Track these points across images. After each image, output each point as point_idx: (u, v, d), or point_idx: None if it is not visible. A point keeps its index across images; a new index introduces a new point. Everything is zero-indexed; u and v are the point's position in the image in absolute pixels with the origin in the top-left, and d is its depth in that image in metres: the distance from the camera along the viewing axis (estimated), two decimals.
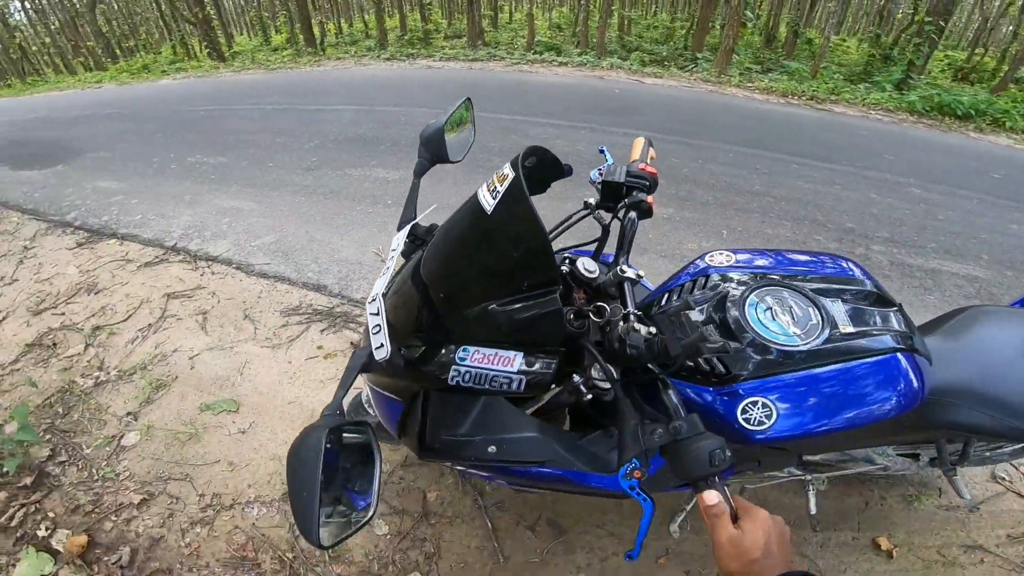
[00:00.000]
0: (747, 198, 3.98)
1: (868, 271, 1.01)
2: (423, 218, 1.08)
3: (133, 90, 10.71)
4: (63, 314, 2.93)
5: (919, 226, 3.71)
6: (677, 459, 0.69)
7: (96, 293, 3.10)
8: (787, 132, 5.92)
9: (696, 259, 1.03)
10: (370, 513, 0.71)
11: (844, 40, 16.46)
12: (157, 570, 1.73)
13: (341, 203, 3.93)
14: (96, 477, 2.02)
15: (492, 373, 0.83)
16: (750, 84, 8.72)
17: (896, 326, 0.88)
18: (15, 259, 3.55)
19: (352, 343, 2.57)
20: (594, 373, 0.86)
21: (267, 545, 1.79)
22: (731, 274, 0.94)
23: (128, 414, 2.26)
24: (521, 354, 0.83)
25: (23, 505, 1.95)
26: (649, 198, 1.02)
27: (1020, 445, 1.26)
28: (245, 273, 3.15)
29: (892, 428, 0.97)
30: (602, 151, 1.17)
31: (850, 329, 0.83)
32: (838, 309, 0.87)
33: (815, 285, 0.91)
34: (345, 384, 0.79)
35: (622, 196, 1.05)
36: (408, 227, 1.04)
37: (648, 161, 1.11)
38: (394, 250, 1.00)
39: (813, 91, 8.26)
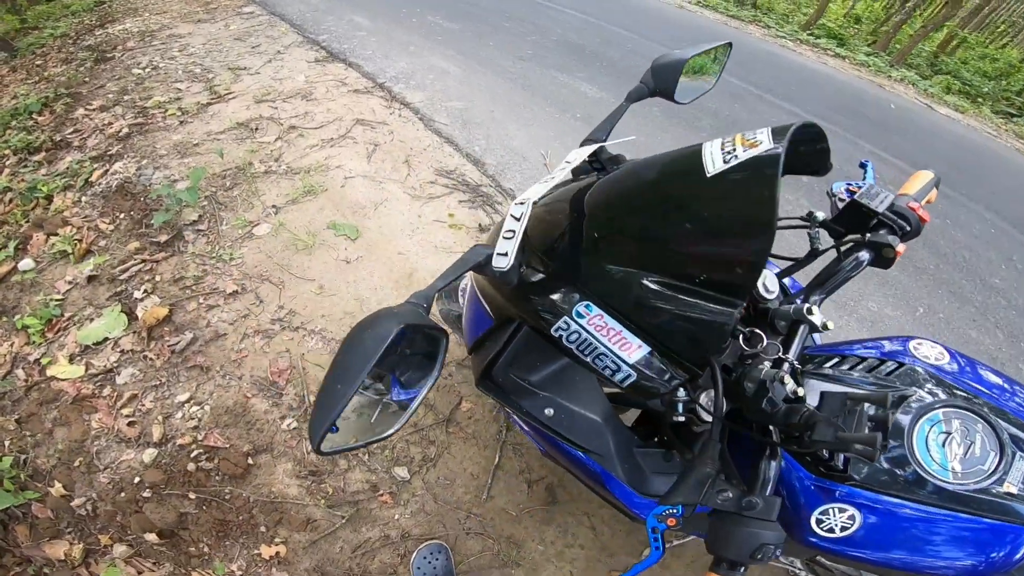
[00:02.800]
0: (975, 288, 2.77)
1: None
2: (615, 144, 0.91)
3: None
4: (276, 108, 3.14)
5: None
6: (723, 528, 0.58)
7: (308, 100, 3.27)
8: None
9: (898, 337, 0.81)
10: (386, 433, 0.61)
11: None
12: (198, 365, 1.74)
13: (534, 98, 3.61)
14: (214, 255, 2.10)
15: (603, 349, 0.69)
16: None
17: None
18: (266, 58, 3.92)
19: (480, 225, 2.32)
20: (704, 398, 0.70)
21: (300, 380, 1.72)
22: (929, 374, 0.73)
23: (273, 207, 2.33)
24: (648, 349, 0.67)
25: (143, 261, 2.08)
26: (900, 247, 0.78)
27: None
28: (424, 125, 3.07)
29: None
30: (865, 165, 0.91)
31: (1013, 490, 0.64)
32: (1020, 467, 0.66)
33: (1015, 430, 0.69)
34: (448, 276, 0.65)
35: (865, 227, 0.80)
36: (593, 146, 0.85)
37: (923, 203, 0.85)
38: (568, 163, 0.82)
39: None
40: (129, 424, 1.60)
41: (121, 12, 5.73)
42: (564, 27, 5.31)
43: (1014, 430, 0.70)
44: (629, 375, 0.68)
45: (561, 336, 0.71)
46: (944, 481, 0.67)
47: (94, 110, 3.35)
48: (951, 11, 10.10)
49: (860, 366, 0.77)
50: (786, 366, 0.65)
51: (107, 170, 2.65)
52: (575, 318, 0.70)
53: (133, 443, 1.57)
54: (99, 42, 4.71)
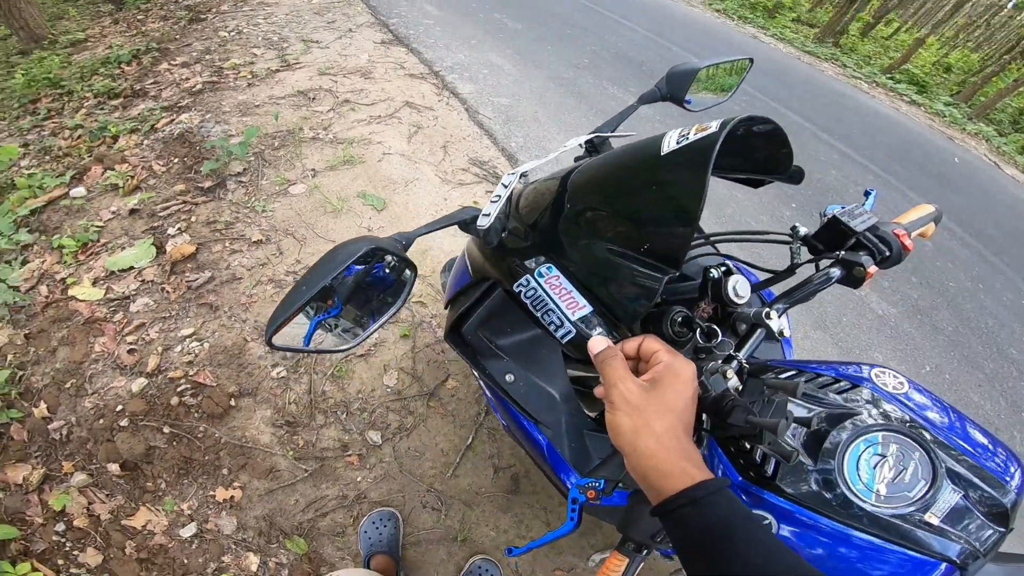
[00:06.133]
0: (989, 355, 2.64)
1: None
2: (613, 138, 0.94)
3: None
4: (335, 82, 3.29)
5: None
6: (635, 509, 0.63)
7: (366, 78, 3.40)
8: None
9: (861, 364, 0.79)
10: (340, 348, 0.66)
11: None
12: (208, 303, 1.82)
13: (580, 106, 3.62)
14: (248, 205, 2.22)
15: (552, 306, 0.72)
16: None
17: (978, 543, 0.64)
18: (337, 34, 4.10)
19: None
20: None
21: None
22: (886, 403, 0.71)
23: (312, 170, 2.44)
24: (591, 309, 0.71)
25: (184, 202, 2.21)
26: (871, 268, 0.76)
27: None
28: (469, 116, 3.13)
29: None
30: (868, 193, 0.90)
31: (934, 521, 0.63)
32: (947, 500, 0.65)
33: (954, 465, 0.67)
34: (433, 224, 0.69)
35: (842, 246, 0.80)
36: (592, 135, 0.90)
37: (913, 234, 0.83)
38: (566, 146, 0.86)
39: None
40: (129, 352, 1.66)
41: None
42: (626, 41, 5.28)
43: (955, 465, 0.69)
44: (569, 331, 0.72)
45: (521, 292, 0.76)
46: (864, 501, 0.66)
47: (176, 65, 3.60)
48: None
49: (814, 381, 0.76)
50: (734, 364, 0.67)
51: (173, 119, 2.85)
52: (536, 277, 0.74)
53: (127, 371, 1.61)
54: (197, 2, 5.05)
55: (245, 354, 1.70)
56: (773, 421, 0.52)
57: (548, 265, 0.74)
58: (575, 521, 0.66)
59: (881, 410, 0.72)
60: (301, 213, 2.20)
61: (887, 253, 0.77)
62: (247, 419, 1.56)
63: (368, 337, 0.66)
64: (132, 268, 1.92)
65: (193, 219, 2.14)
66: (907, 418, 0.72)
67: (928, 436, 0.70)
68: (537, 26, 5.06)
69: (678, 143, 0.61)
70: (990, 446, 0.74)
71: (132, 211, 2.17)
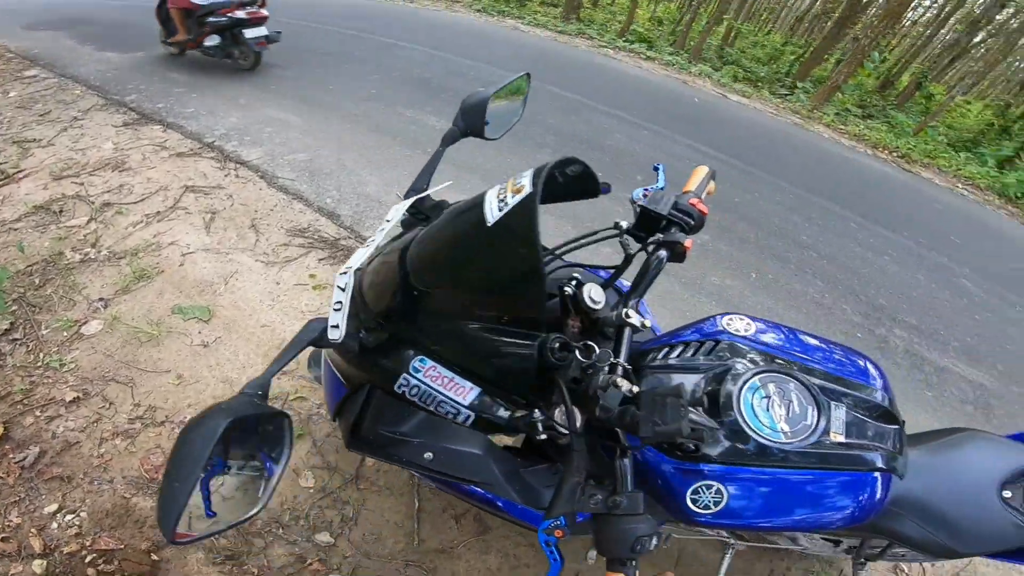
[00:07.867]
0: (788, 246, 3.34)
1: (887, 378, 0.85)
2: (434, 192, 0.91)
3: None
4: (81, 184, 2.75)
5: (950, 321, 2.96)
6: (601, 530, 0.63)
7: (121, 171, 2.91)
8: (859, 187, 5.06)
9: (711, 318, 0.88)
10: (248, 515, 0.60)
11: (969, 102, 14.14)
12: (58, 476, 1.52)
13: (383, 139, 3.59)
14: (40, 364, 1.82)
15: (442, 398, 0.73)
16: (842, 127, 7.70)
17: (889, 446, 0.76)
18: (60, 126, 3.40)
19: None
20: (557, 414, 0.71)
21: None
22: (742, 346, 0.81)
23: (100, 299, 2.04)
24: (478, 390, 0.73)
25: None
26: (688, 241, 0.84)
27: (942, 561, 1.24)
28: (267, 183, 2.89)
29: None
30: (657, 168, 1.00)
31: (841, 439, 0.73)
32: (838, 415, 0.75)
33: (823, 382, 0.78)
34: (283, 359, 0.64)
35: (658, 228, 0.88)
36: (412, 199, 0.87)
37: (703, 196, 0.93)
38: (388, 221, 0.79)
39: (908, 149, 7.15)
40: (2, 539, 1.42)
41: None
42: (405, 62, 5.37)
43: (822, 383, 0.77)
44: (469, 416, 0.73)
45: (404, 392, 0.74)
46: (779, 443, 0.71)
47: None
48: (725, 5, 12.14)
49: (687, 351, 0.82)
50: (619, 369, 0.67)
51: None
52: (413, 373, 0.73)
53: (15, 556, 1.40)
54: None
55: (133, 511, 1.48)
56: (675, 427, 0.56)
57: (420, 358, 0.73)
58: (559, 561, 0.65)
59: (747, 355, 0.79)
60: (112, 353, 1.83)
61: (692, 223, 0.87)
62: (183, 567, 1.39)
63: (271, 494, 0.60)
64: None
65: None
66: (769, 355, 0.80)
67: (792, 365, 0.78)
68: (309, 68, 4.83)
69: (500, 210, 0.61)
70: (838, 353, 0.85)
71: None
